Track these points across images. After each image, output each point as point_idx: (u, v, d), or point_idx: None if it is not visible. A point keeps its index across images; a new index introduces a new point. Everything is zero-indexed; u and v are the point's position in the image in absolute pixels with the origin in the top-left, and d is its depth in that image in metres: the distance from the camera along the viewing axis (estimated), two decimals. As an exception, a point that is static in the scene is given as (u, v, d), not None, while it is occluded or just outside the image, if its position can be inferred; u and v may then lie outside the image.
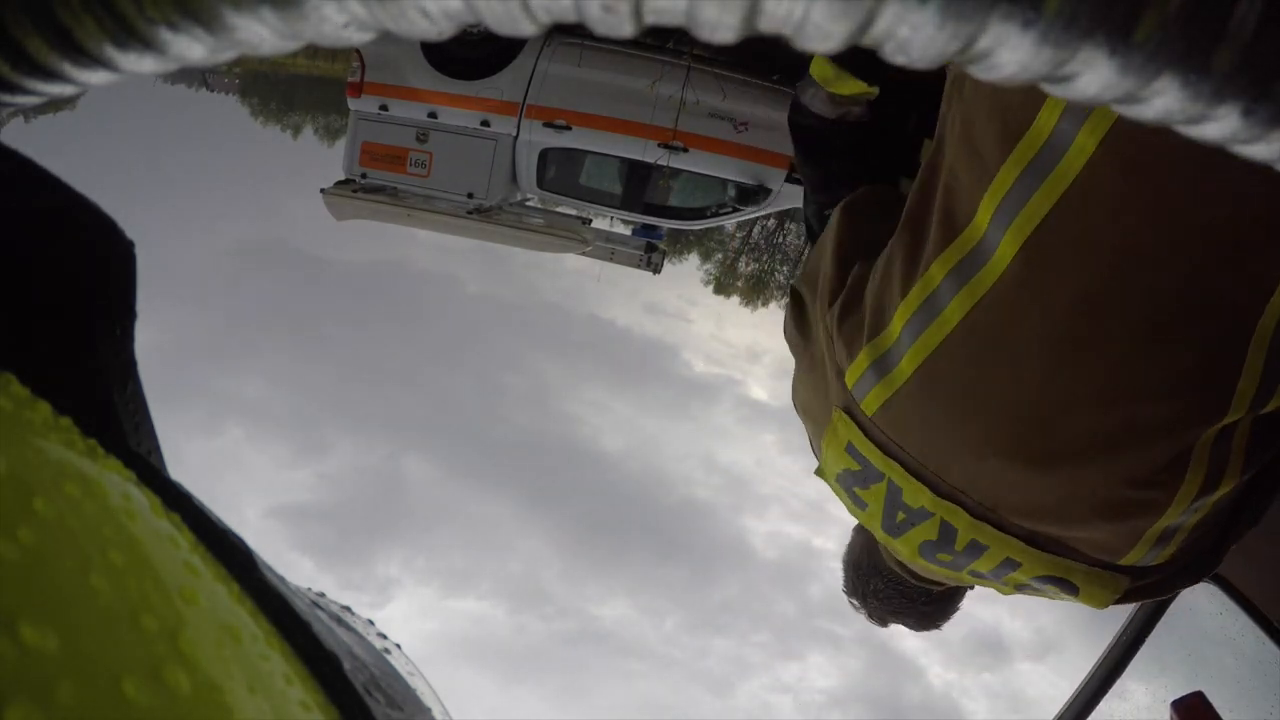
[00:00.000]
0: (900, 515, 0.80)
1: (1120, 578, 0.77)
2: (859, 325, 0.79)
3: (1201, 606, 1.25)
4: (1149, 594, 0.81)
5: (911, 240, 0.75)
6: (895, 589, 0.95)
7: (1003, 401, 0.71)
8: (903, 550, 0.84)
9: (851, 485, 0.84)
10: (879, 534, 0.85)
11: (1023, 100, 0.66)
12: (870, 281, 0.80)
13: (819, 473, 0.90)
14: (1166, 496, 0.70)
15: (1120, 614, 1.40)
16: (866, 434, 0.80)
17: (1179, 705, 1.01)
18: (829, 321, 0.83)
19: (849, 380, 0.80)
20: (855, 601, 1.01)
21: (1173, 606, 1.30)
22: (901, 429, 0.77)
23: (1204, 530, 0.75)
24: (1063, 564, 0.77)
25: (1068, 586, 0.78)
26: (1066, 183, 0.64)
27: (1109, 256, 0.65)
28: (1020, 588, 0.82)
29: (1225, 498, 0.72)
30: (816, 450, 0.91)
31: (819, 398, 0.87)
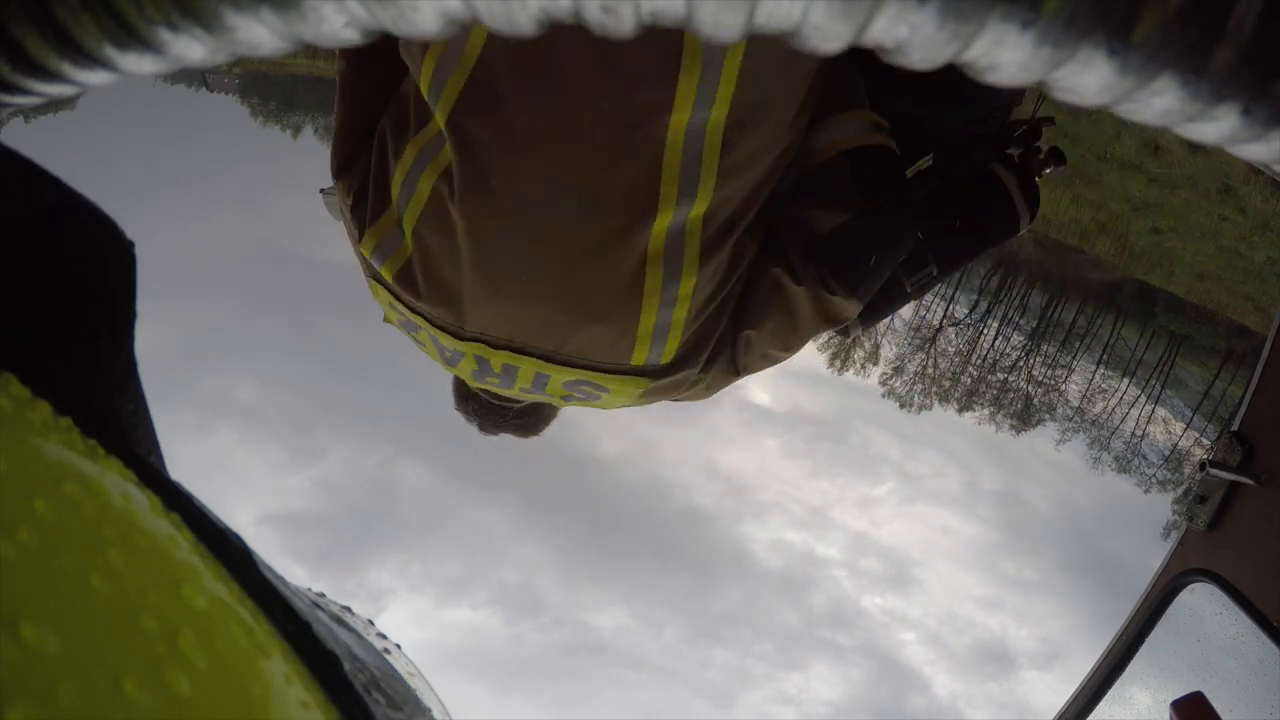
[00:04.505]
0: (447, 354, 0.92)
1: (640, 379, 0.90)
2: (363, 201, 0.89)
3: (1201, 607, 1.25)
4: (675, 390, 0.93)
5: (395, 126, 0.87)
6: (485, 407, 1.08)
7: (489, 249, 0.82)
8: (464, 377, 0.96)
9: (408, 332, 0.95)
10: (444, 368, 0.97)
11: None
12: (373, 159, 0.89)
13: (386, 319, 0.99)
14: (635, 295, 0.83)
15: (1121, 616, 1.40)
16: (395, 296, 0.90)
17: (1178, 706, 1.01)
18: (342, 194, 0.93)
19: (365, 250, 0.90)
20: (466, 418, 1.13)
21: (1172, 607, 1.30)
22: (415, 292, 0.88)
23: (707, 325, 0.88)
24: (585, 373, 0.90)
25: (598, 388, 0.92)
26: (470, 66, 0.78)
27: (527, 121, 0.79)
28: (566, 397, 0.95)
29: (708, 292, 0.85)
30: None
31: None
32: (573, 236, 0.81)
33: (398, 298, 0.90)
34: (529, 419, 1.11)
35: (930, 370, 27.51)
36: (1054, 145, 1.14)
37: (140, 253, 0.29)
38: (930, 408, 28.21)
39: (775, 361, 0.98)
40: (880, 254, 0.93)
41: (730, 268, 0.88)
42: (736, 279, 0.89)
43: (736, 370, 0.96)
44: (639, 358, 0.88)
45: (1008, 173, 1.08)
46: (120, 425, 0.28)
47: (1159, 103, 0.21)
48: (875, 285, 0.95)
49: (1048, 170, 1.13)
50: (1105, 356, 26.59)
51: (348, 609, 0.40)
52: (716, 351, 0.92)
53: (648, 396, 0.94)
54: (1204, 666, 1.25)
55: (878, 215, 0.92)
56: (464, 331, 0.88)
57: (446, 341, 0.90)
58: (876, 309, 1.15)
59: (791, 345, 0.96)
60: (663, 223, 0.80)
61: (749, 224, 0.87)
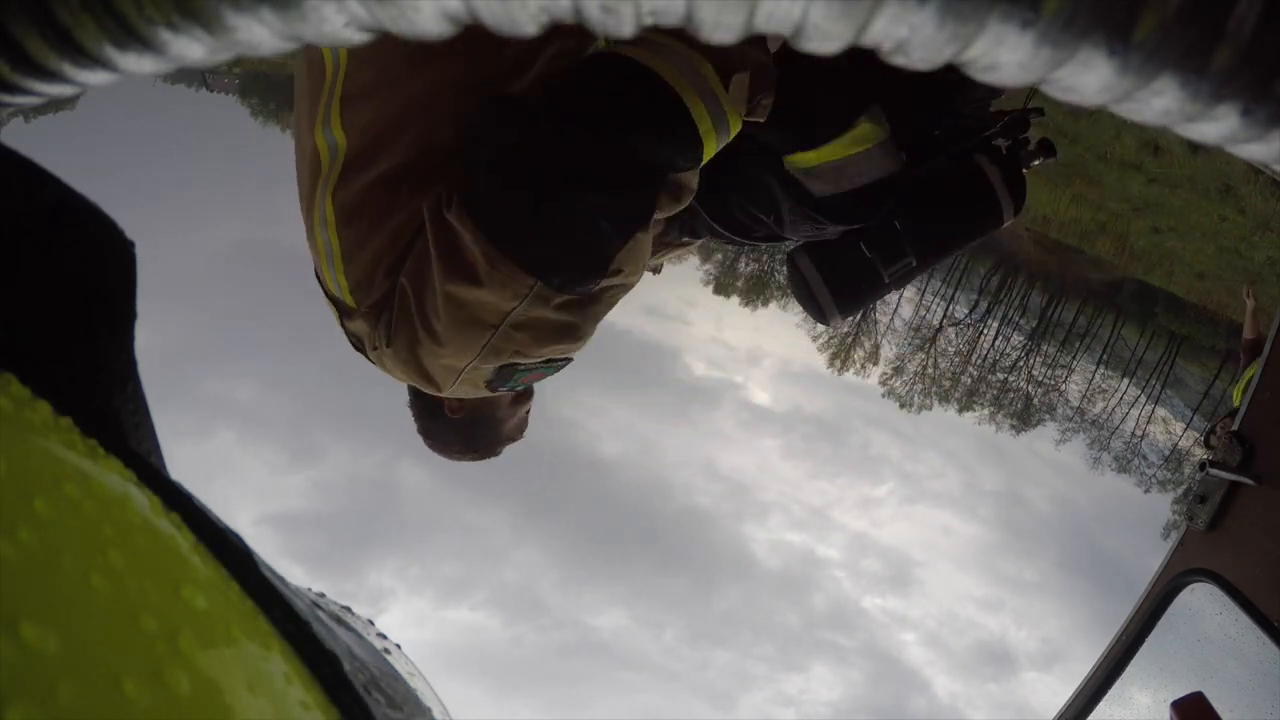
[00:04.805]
0: None
1: (335, 309, 0.94)
2: None
3: (1201, 606, 1.25)
4: (369, 341, 0.92)
5: None
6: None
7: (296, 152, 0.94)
8: None
9: None
10: None
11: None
12: None
13: None
14: (311, 206, 0.88)
15: (1121, 616, 1.40)
16: None
17: (1179, 706, 1.01)
18: None
19: None
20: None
21: (1172, 607, 1.30)
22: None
23: (367, 274, 0.87)
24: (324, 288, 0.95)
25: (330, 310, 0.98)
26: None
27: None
28: None
29: (357, 233, 0.85)
30: None
31: None
32: (304, 143, 0.89)
33: None
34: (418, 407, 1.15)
35: (930, 370, 27.52)
36: (1044, 137, 1.12)
37: (140, 253, 0.29)
38: (930, 408, 28.24)
39: (441, 342, 0.84)
40: (508, 157, 0.77)
41: (381, 214, 0.84)
42: (399, 232, 0.84)
43: (387, 337, 0.87)
44: (330, 283, 0.91)
45: (991, 165, 1.07)
46: (120, 425, 0.28)
47: (1159, 103, 0.21)
48: (520, 218, 0.78)
49: (1036, 162, 1.12)
50: (1105, 356, 26.59)
51: (348, 609, 0.40)
52: (379, 312, 0.89)
53: (356, 344, 0.96)
54: (1204, 666, 1.25)
55: (521, 117, 0.78)
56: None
57: None
58: (855, 297, 1.13)
59: (437, 307, 0.82)
60: (321, 141, 0.85)
61: (398, 171, 0.82)
